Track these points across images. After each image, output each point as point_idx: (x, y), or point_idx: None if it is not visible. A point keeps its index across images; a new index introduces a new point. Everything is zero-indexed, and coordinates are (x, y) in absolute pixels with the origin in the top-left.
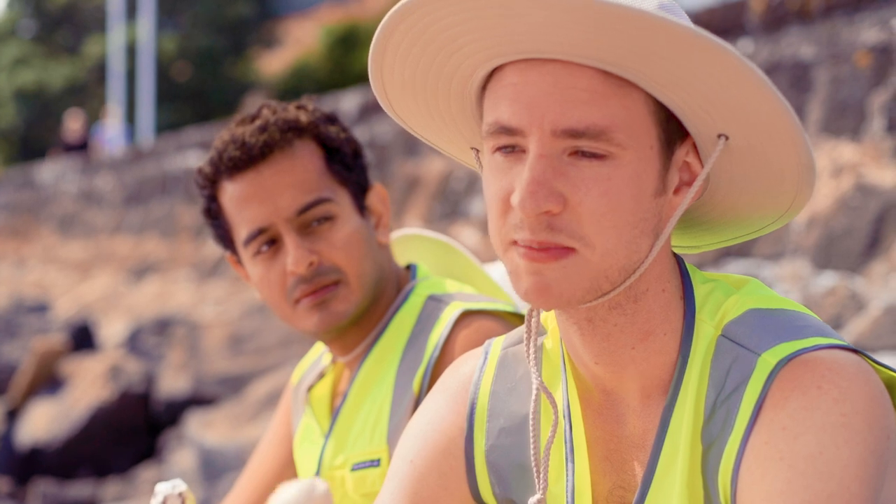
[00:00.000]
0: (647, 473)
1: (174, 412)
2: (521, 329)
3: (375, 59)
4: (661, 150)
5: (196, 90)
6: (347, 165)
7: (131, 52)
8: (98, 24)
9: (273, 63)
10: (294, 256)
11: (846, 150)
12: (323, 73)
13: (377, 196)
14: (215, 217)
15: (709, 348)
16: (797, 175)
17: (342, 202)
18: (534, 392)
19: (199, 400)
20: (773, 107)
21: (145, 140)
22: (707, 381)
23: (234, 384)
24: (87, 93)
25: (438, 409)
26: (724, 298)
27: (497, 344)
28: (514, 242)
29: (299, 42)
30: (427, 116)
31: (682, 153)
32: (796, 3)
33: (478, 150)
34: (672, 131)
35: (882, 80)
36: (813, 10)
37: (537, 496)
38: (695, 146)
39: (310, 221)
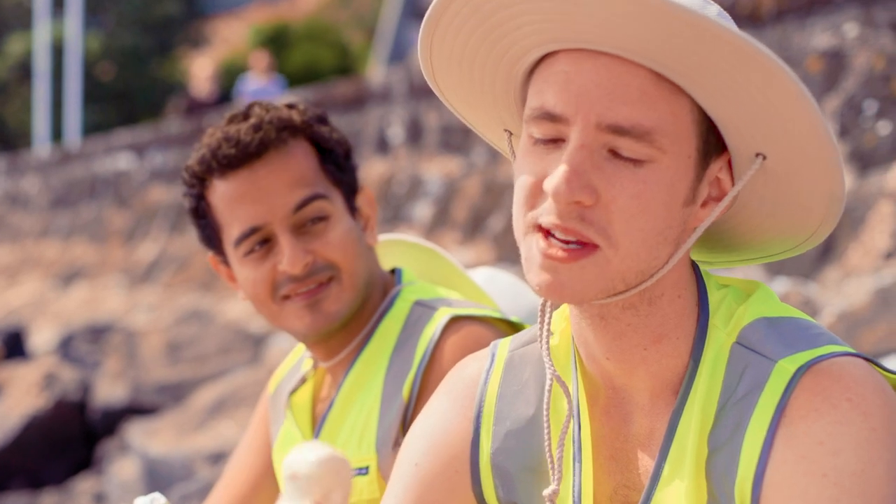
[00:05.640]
0: (654, 473)
1: (112, 421)
2: (528, 332)
3: (428, 27)
4: (697, 161)
5: (121, 90)
6: (340, 166)
7: (56, 50)
8: (20, 21)
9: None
10: (290, 257)
11: None
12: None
13: (365, 199)
14: (202, 216)
15: (721, 354)
16: (826, 204)
17: (336, 202)
18: (547, 383)
19: (137, 409)
20: (816, 132)
21: (72, 142)
22: (719, 386)
23: (174, 392)
24: (9, 92)
25: (444, 412)
26: (736, 305)
27: (503, 346)
28: (538, 227)
29: (227, 42)
30: (468, 91)
31: (716, 168)
32: (748, 7)
33: (510, 134)
34: (710, 144)
35: (833, 85)
36: (764, 14)
37: (552, 487)
38: (729, 163)
39: (305, 220)
